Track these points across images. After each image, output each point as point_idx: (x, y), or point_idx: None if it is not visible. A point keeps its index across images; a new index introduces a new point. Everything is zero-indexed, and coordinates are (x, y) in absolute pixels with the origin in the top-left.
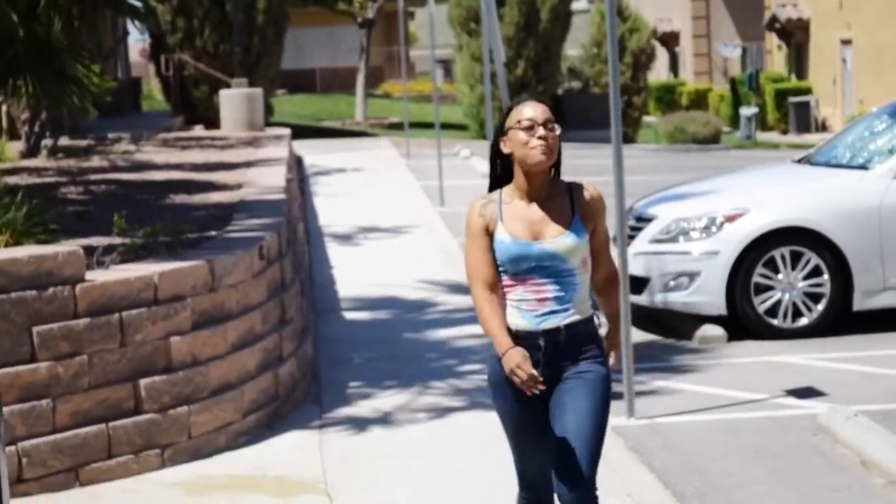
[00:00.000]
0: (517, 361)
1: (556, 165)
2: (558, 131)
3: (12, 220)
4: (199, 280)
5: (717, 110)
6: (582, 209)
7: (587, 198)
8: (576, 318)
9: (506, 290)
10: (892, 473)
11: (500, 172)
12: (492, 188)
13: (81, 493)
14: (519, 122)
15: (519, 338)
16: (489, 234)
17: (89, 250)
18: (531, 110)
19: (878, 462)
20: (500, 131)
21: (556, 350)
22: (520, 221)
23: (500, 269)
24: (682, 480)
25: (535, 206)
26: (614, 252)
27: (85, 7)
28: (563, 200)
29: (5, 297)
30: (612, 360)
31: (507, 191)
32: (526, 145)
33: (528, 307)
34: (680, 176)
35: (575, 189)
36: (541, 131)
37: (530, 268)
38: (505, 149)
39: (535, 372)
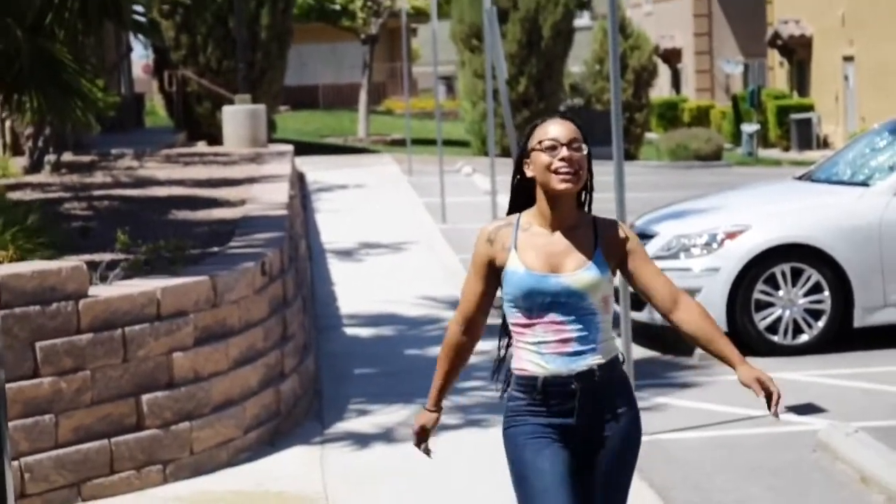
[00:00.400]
0: (423, 422)
1: (587, 192)
2: (585, 151)
3: (16, 235)
4: (201, 296)
5: (718, 127)
6: (605, 243)
7: (613, 233)
8: (607, 357)
9: (518, 332)
10: (891, 490)
11: (522, 195)
12: (511, 212)
13: None
14: (540, 142)
15: (548, 385)
16: (494, 265)
17: (93, 266)
18: (555, 128)
19: (878, 479)
20: (523, 151)
21: (593, 395)
22: (536, 251)
23: (512, 305)
24: (683, 496)
25: (556, 236)
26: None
27: (90, 21)
28: (586, 231)
29: (9, 313)
30: (750, 375)
31: (527, 215)
32: (548, 169)
33: (549, 350)
34: (682, 193)
35: (600, 222)
36: (564, 152)
37: (546, 304)
38: (528, 171)
39: (428, 445)
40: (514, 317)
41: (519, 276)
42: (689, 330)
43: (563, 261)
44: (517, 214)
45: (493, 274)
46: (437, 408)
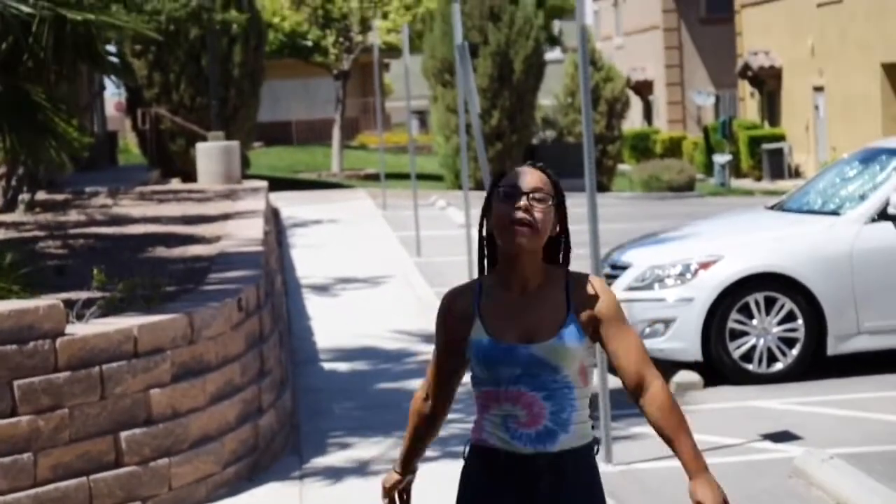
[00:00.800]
0: (385, 481)
1: (564, 249)
2: (550, 203)
3: None
4: (178, 332)
5: (691, 158)
6: (579, 305)
7: (590, 293)
8: (579, 442)
9: (484, 404)
10: None
11: (488, 255)
12: (481, 270)
13: None
14: (501, 192)
15: (511, 464)
16: (457, 337)
17: (69, 304)
18: (518, 176)
19: None
20: (487, 204)
21: (560, 481)
22: (501, 317)
23: (478, 376)
24: None
25: (522, 299)
26: None
27: (64, 62)
28: (557, 293)
29: None
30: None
31: (489, 277)
32: (502, 220)
33: (517, 426)
34: (655, 223)
35: (573, 279)
36: (522, 201)
37: (515, 376)
38: (487, 227)
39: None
40: (481, 388)
41: (484, 347)
42: (652, 422)
43: (532, 328)
44: (477, 279)
45: (458, 347)
46: (403, 471)
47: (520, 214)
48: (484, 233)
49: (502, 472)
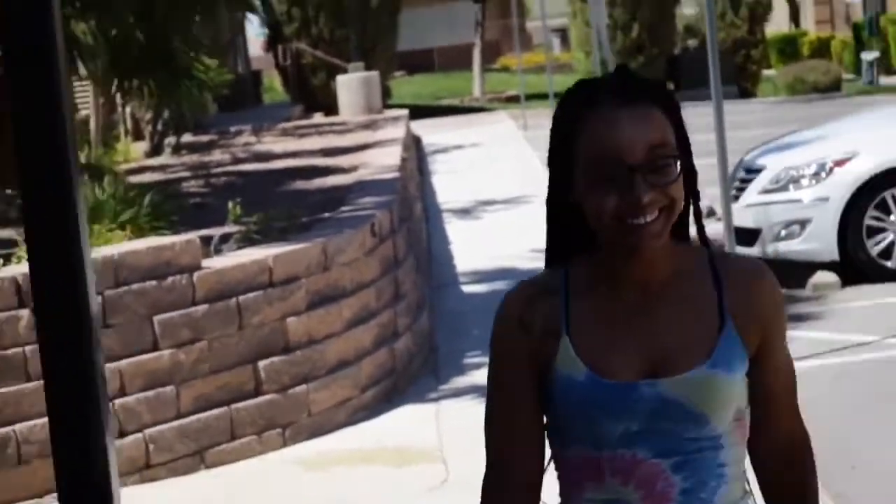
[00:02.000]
0: None
1: (694, 212)
2: (677, 161)
3: (134, 216)
4: (312, 260)
5: (839, 58)
6: (740, 309)
7: (753, 289)
8: None
9: (575, 479)
10: None
11: (568, 230)
12: (551, 261)
13: (208, 474)
14: (587, 165)
15: None
16: (536, 366)
17: (207, 239)
18: (613, 134)
19: None
20: (560, 170)
21: None
22: (608, 337)
23: (566, 434)
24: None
25: (642, 302)
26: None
27: (200, 3)
28: (700, 287)
29: (127, 289)
30: None
31: (583, 267)
32: (609, 217)
33: None
34: (801, 127)
35: (726, 269)
36: (639, 186)
37: (631, 434)
38: (576, 201)
39: None
40: (569, 451)
41: (578, 387)
42: (780, 482)
43: (663, 352)
44: (560, 269)
45: (540, 375)
46: None
47: (641, 216)
48: (556, 204)
49: None
